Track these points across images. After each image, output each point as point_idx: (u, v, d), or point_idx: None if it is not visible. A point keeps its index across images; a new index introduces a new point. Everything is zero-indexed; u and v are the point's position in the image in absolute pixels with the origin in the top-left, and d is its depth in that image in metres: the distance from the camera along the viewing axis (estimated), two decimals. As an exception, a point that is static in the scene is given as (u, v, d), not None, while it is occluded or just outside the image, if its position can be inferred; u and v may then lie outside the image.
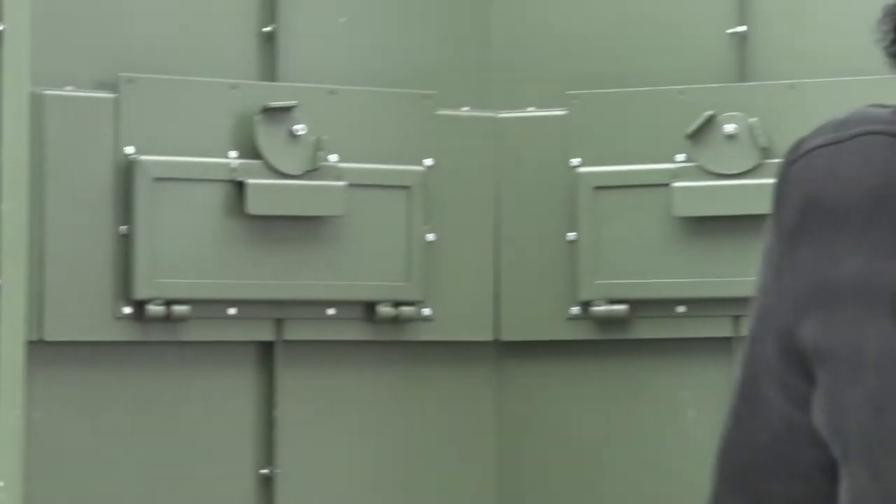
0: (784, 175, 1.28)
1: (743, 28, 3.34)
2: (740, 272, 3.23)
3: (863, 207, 1.26)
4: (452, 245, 3.49)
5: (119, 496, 3.23)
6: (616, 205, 3.42)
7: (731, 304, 3.28)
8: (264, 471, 3.28)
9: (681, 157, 3.32)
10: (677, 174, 3.33)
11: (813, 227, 1.28)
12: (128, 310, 3.10)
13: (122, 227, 3.12)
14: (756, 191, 3.23)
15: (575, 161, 3.39)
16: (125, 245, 3.11)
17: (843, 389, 1.25)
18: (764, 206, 3.08)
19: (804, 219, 1.29)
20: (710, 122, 3.28)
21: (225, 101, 3.22)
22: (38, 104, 3.06)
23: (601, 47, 3.54)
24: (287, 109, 3.19)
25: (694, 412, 3.40)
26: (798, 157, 1.29)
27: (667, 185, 3.34)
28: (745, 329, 3.05)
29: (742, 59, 3.38)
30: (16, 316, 2.93)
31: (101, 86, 3.17)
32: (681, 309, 3.36)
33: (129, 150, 3.11)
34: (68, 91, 3.18)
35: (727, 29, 3.37)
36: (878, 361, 1.23)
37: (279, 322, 3.28)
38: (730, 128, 3.27)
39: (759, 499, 1.33)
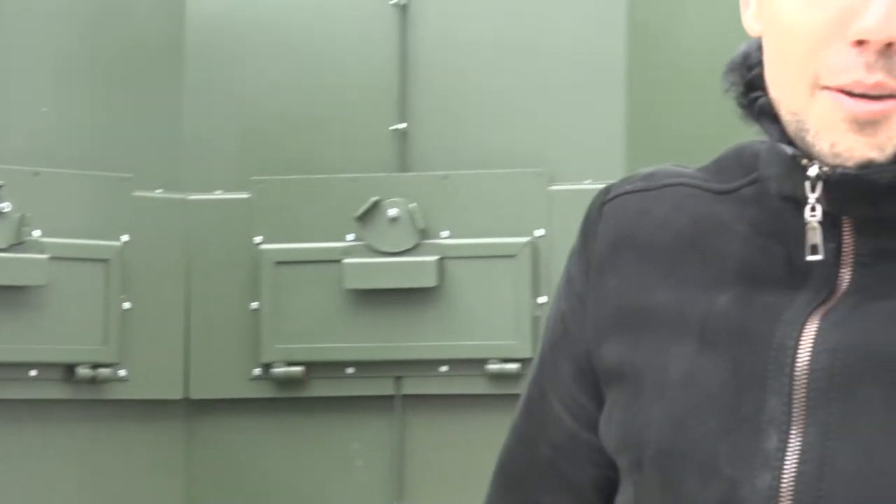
0: (595, 215, 1.39)
1: (403, 125, 3.57)
2: (401, 338, 3.53)
3: (674, 246, 1.36)
4: (147, 313, 3.58)
5: None
6: (294, 278, 3.58)
7: (393, 366, 3.54)
8: (-34, 521, 3.30)
9: (350, 236, 3.51)
10: (348, 251, 3.51)
11: (623, 261, 1.37)
12: None
13: None
14: (415, 266, 3.51)
15: (258, 239, 3.56)
16: None
17: (645, 405, 1.32)
18: (422, 279, 3.36)
19: (615, 253, 1.38)
20: (375, 207, 3.48)
21: (-67, 181, 3.27)
22: None
23: (282, 138, 3.71)
24: (-7, 189, 3.28)
25: (361, 461, 3.59)
26: (609, 199, 1.40)
27: (339, 261, 3.52)
28: (404, 387, 3.21)
29: (403, 152, 3.61)
30: None
31: None
32: (350, 370, 3.55)
33: None
34: None
35: (390, 126, 3.59)
36: (682, 381, 1.30)
37: (-15, 384, 3.37)
38: (393, 212, 3.49)
39: None
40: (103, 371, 3.47)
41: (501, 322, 3.51)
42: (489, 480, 1.44)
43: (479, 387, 3.50)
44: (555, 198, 3.50)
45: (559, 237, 3.46)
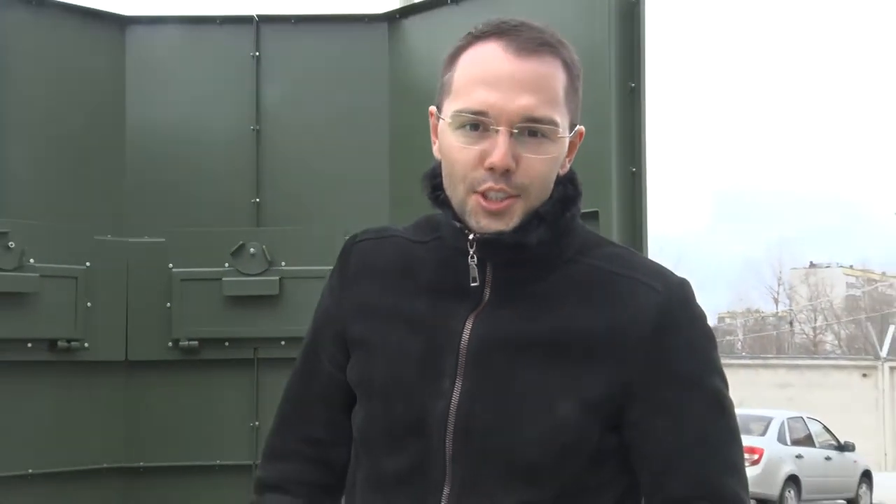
0: (347, 252, 1.83)
1: (258, 199, 4.43)
2: (258, 325, 4.27)
3: (393, 272, 1.77)
4: (101, 309, 4.32)
5: None
6: (193, 288, 4.35)
7: (252, 342, 4.32)
8: None
9: (227, 264, 4.31)
10: (225, 273, 4.29)
11: (364, 279, 1.79)
12: None
13: None
14: (266, 283, 4.28)
15: (171, 265, 4.38)
16: None
17: (374, 361, 1.74)
18: (269, 290, 4.49)
19: (358, 275, 1.78)
20: (242, 247, 4.28)
21: None
22: None
23: (186, 206, 4.43)
24: None
25: (234, 394, 4.41)
26: (356, 243, 1.83)
27: (220, 279, 4.31)
28: (259, 353, 4.54)
29: (258, 215, 4.44)
30: None
31: None
32: (227, 343, 4.36)
33: None
34: None
35: (251, 199, 4.43)
36: (397, 349, 1.73)
37: None
38: (252, 249, 4.28)
39: (308, 422, 1.88)
40: (74, 344, 4.22)
41: (316, 315, 4.21)
42: (280, 401, 1.92)
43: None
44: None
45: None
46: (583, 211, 3.24)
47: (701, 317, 1.75)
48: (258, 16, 4.40)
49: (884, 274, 61.41)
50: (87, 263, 4.25)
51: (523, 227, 1.68)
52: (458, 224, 1.70)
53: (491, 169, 1.63)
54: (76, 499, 4.25)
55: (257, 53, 4.40)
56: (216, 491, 4.33)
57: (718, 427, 1.73)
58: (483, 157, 1.64)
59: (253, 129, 4.39)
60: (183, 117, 4.41)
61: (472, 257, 1.69)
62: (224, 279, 4.30)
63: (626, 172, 3.67)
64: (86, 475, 4.25)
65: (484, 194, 1.65)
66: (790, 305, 55.86)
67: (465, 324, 1.69)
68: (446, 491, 1.68)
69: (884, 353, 27.97)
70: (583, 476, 1.70)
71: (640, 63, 3.73)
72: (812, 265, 60.86)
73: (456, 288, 1.72)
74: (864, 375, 28.46)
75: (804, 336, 52.93)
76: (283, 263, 4.29)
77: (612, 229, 3.54)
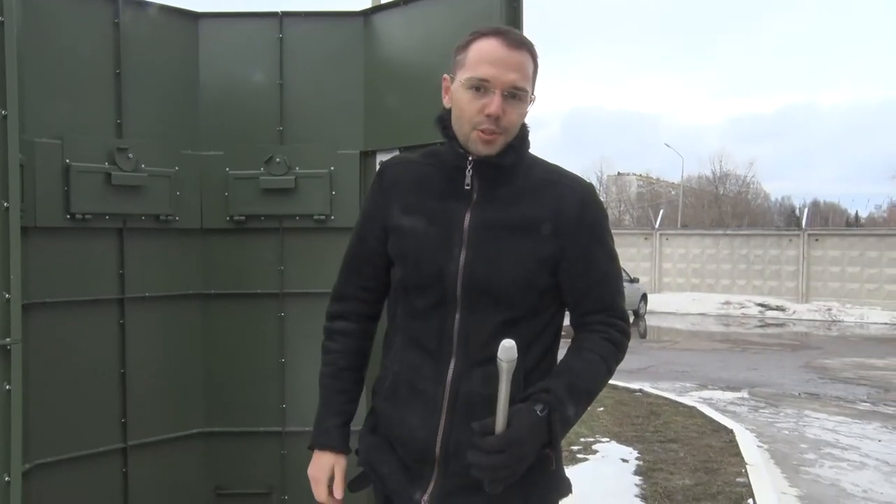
0: (383, 172, 1.81)
1: (281, 128, 3.83)
2: (281, 207, 3.78)
3: (416, 183, 1.75)
4: (189, 196, 3.85)
5: None
6: (242, 183, 3.86)
7: (278, 218, 3.87)
8: None
9: (262, 168, 3.87)
10: (261, 174, 3.88)
11: (396, 190, 1.77)
12: None
13: None
14: (286, 180, 3.79)
15: (228, 168, 3.83)
16: None
17: (407, 240, 1.72)
18: (287, 185, 3.90)
19: (392, 187, 1.77)
20: (271, 157, 3.86)
21: None
22: None
23: (238, 131, 3.87)
24: None
25: (267, 250, 3.87)
26: (388, 167, 1.81)
27: (258, 177, 3.85)
28: (283, 224, 3.90)
29: (282, 137, 3.87)
30: None
31: None
32: (262, 218, 3.87)
33: None
34: None
35: (277, 128, 3.83)
36: (423, 233, 1.69)
37: None
38: (278, 159, 3.84)
39: (360, 276, 1.85)
40: (170, 217, 3.75)
41: (321, 202, 3.81)
42: (341, 264, 1.88)
43: (310, 224, 3.81)
44: (339, 156, 3.82)
45: (340, 172, 3.81)
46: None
47: (600, 203, 1.78)
48: (282, 12, 4.09)
49: (658, 179, 63.40)
50: (176, 168, 3.87)
51: (503, 154, 1.69)
52: (461, 150, 1.70)
53: (488, 115, 1.65)
54: (172, 313, 3.94)
55: (281, 35, 4.06)
56: (256, 307, 4.09)
57: (611, 269, 1.78)
58: (483, 108, 1.65)
59: (278, 83, 3.94)
60: (234, 75, 4.03)
61: (469, 171, 1.68)
62: (260, 177, 3.93)
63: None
64: (177, 298, 3.95)
65: (482, 131, 1.66)
66: (606, 197, 57.88)
67: (465, 215, 1.69)
68: (458, 315, 1.68)
69: (656, 227, 28.95)
70: (537, 302, 1.71)
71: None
72: (619, 173, 62.38)
73: (456, 192, 1.70)
74: (646, 239, 29.30)
75: (614, 216, 54.93)
76: (297, 168, 3.91)
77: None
